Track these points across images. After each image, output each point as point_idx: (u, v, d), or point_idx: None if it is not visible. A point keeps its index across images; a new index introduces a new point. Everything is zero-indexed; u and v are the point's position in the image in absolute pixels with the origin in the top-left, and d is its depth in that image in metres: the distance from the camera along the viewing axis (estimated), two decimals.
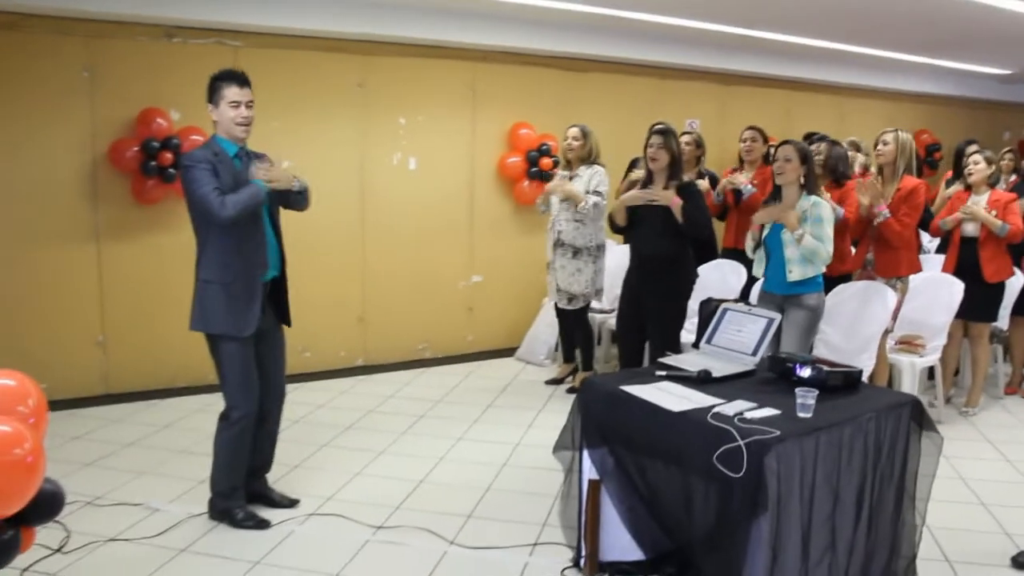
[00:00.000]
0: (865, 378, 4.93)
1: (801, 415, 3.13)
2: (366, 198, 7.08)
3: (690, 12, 6.89)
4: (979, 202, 6.05)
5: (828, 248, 4.77)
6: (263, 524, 4.18)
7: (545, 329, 7.39)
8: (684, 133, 6.74)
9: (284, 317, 4.30)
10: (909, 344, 5.94)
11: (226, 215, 3.85)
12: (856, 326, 5.49)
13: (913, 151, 5.73)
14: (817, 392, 3.19)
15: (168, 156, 5.92)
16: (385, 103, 7.05)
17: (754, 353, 3.79)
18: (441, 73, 7.31)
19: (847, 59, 9.16)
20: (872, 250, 5.70)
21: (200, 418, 5.72)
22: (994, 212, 5.95)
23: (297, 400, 5.94)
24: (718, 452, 2.98)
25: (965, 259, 6.07)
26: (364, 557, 3.92)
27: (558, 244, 6.42)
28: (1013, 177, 7.48)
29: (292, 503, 4.41)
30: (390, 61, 7.03)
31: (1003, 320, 6.52)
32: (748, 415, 3.13)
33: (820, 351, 5.36)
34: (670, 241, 5.34)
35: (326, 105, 6.80)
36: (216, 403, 4.27)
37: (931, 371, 6.14)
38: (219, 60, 5.72)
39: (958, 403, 6.36)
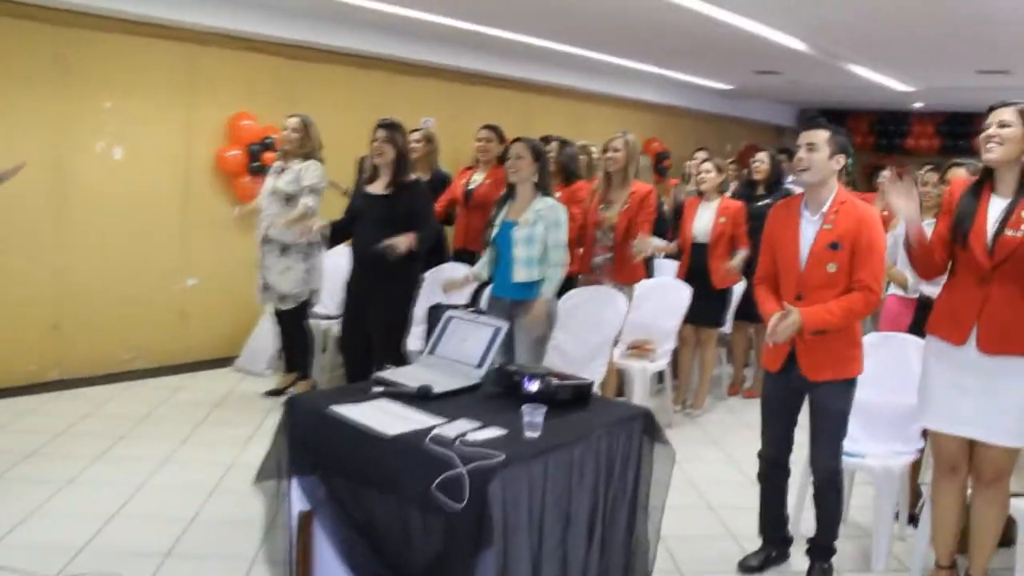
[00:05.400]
0: (597, 386, 4.85)
1: (528, 434, 2.85)
2: (63, 189, 6.24)
3: (415, 3, 6.56)
4: (709, 207, 6.12)
5: (563, 256, 4.64)
6: None
7: (266, 336, 6.80)
8: (414, 130, 6.43)
9: None
10: (640, 348, 5.94)
11: None
12: (588, 332, 5.37)
13: (639, 156, 5.76)
14: (545, 408, 2.93)
15: None
16: (88, 83, 6.25)
17: (480, 365, 3.48)
18: (155, 54, 6.61)
19: (584, 64, 9.25)
20: (613, 256, 5.58)
21: None
22: (723, 219, 6.04)
23: None
24: (437, 481, 2.63)
25: (695, 264, 6.13)
26: None
27: (265, 240, 5.91)
28: (734, 185, 7.73)
29: None
30: (94, 35, 6.24)
31: (729, 325, 6.69)
32: (471, 436, 2.81)
33: (553, 358, 5.17)
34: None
35: (13, 80, 5.92)
36: None
37: (660, 375, 6.15)
38: None
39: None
